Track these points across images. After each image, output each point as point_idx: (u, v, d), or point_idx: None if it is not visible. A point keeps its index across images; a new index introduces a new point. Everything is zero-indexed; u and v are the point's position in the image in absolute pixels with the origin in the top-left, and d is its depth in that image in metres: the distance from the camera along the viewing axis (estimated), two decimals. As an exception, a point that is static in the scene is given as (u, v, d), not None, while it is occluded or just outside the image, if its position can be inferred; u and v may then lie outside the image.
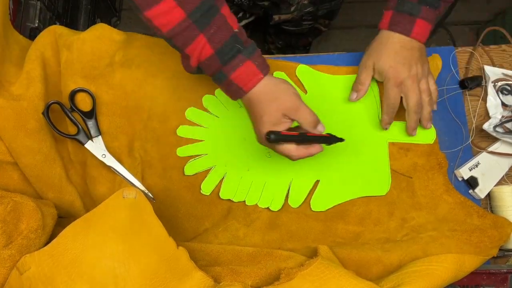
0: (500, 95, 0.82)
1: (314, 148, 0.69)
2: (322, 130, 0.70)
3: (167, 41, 0.65)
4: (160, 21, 0.61)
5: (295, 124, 0.70)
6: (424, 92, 0.76)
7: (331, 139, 0.73)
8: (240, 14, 1.03)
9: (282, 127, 0.67)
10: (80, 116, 0.77)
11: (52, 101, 0.75)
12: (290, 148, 0.67)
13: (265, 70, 0.66)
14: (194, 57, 0.64)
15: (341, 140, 0.74)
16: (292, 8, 0.91)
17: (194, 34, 0.62)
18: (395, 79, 0.75)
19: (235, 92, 0.66)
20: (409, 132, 0.79)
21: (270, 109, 0.66)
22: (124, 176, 0.76)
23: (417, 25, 0.73)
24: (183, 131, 0.80)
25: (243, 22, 1.06)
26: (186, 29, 0.61)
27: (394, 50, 0.75)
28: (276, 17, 1.05)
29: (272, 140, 0.64)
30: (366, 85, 0.79)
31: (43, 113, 0.73)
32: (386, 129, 0.80)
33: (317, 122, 0.69)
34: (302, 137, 0.68)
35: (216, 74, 0.65)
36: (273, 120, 0.66)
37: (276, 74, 0.82)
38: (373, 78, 0.80)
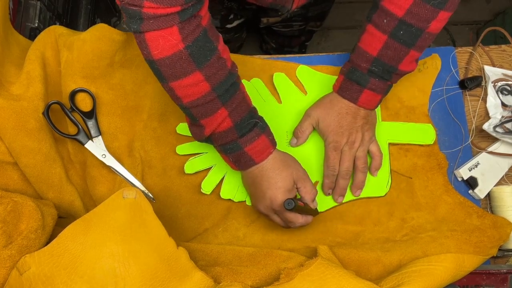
0: (500, 95, 0.82)
1: (310, 218, 0.73)
2: (316, 205, 0.74)
3: (182, 109, 0.67)
4: (184, 91, 0.63)
5: None
6: (359, 159, 0.77)
7: (316, 213, 0.75)
8: (231, 16, 1.04)
9: (292, 194, 0.71)
10: (80, 116, 0.77)
11: (52, 101, 0.75)
12: (298, 216, 0.71)
13: (275, 144, 0.71)
14: (210, 127, 0.66)
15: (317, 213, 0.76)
16: (280, 12, 0.91)
17: (217, 107, 0.65)
18: (334, 143, 0.77)
19: (245, 162, 0.70)
20: (335, 197, 0.78)
21: (284, 176, 0.70)
22: (124, 176, 0.76)
23: (364, 94, 0.74)
24: (182, 128, 0.80)
25: (235, 23, 1.07)
26: (210, 102, 0.64)
27: (339, 114, 0.76)
28: (264, 20, 1.06)
29: (291, 208, 0.65)
30: (306, 134, 0.79)
31: (43, 113, 0.73)
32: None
33: (316, 196, 0.73)
34: (306, 208, 0.71)
35: (229, 144, 0.68)
36: (288, 186, 0.70)
37: (276, 74, 0.82)
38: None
